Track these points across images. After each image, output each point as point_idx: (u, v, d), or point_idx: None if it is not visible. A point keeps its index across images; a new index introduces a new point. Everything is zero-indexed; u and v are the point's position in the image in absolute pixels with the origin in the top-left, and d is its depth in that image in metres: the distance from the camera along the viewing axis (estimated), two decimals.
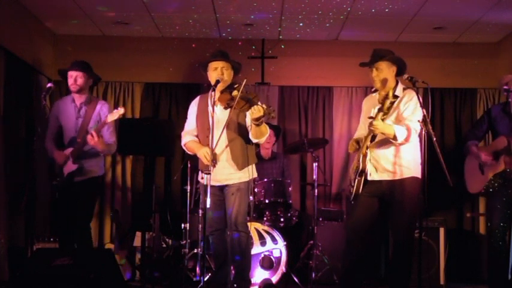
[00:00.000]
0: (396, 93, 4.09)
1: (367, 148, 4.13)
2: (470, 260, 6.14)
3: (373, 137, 4.13)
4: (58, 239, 5.14)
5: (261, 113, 3.81)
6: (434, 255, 5.48)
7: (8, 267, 5.18)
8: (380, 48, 4.25)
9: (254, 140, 4.14)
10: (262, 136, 4.11)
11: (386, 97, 3.96)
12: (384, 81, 4.15)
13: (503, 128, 4.57)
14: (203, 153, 4.11)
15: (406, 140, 4.02)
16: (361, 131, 4.40)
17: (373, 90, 4.38)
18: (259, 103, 3.85)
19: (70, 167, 4.81)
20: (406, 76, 4.08)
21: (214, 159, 4.05)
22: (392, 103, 4.02)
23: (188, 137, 4.36)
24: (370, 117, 3.98)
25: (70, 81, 4.90)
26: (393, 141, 4.01)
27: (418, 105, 3.99)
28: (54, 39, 6.41)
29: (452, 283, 5.71)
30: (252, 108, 3.82)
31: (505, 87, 4.52)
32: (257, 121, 3.89)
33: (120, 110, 4.76)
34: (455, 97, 6.57)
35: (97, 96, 6.48)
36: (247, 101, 3.89)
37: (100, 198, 6.41)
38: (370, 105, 4.30)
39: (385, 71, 4.15)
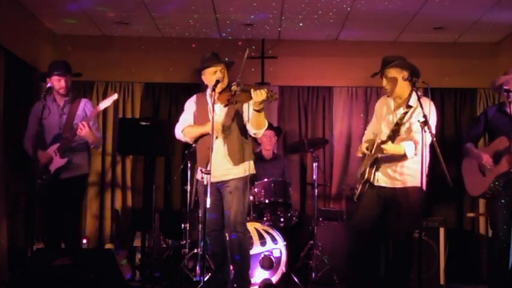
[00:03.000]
0: (410, 102, 4.11)
1: (375, 158, 4.16)
2: (470, 260, 6.14)
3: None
4: (43, 239, 5.02)
5: (264, 96, 3.82)
6: (434, 255, 5.47)
7: (8, 267, 5.18)
8: (389, 55, 4.21)
9: (253, 131, 4.14)
10: (261, 127, 4.11)
11: (398, 124, 4.02)
12: (393, 86, 4.13)
13: (501, 127, 4.54)
14: (208, 128, 4.06)
15: (416, 153, 4.05)
16: (371, 130, 4.46)
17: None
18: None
19: (58, 162, 4.72)
20: (406, 77, 4.08)
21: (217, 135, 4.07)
22: (406, 112, 4.06)
23: (184, 124, 4.37)
24: (382, 142, 4.04)
25: (58, 85, 4.79)
26: (404, 158, 4.07)
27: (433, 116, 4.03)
28: (54, 39, 6.41)
29: (452, 283, 5.71)
30: (255, 91, 3.83)
31: (505, 87, 4.50)
32: (259, 105, 3.90)
33: (114, 96, 4.70)
34: (455, 97, 6.57)
35: (97, 96, 6.49)
36: (247, 92, 3.91)
37: (100, 198, 6.42)
38: (383, 106, 4.32)
39: (395, 77, 4.12)
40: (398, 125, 4.03)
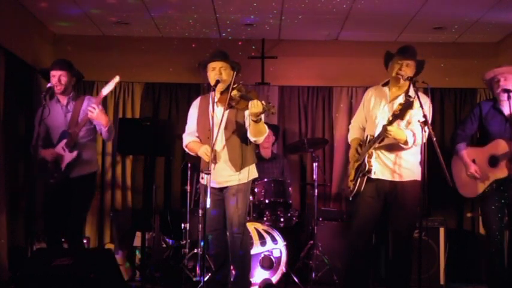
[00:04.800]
0: (409, 93, 4.12)
1: (371, 147, 4.14)
2: (470, 260, 6.14)
3: (380, 138, 4.14)
4: (47, 238, 4.96)
5: (260, 109, 3.80)
6: (434, 255, 5.48)
7: (8, 267, 5.18)
8: (412, 46, 4.25)
9: (252, 139, 4.13)
10: (260, 135, 4.10)
11: (403, 104, 3.97)
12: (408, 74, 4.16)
13: (495, 127, 4.51)
14: (203, 152, 4.10)
15: (414, 143, 4.05)
16: (357, 124, 4.45)
17: (383, 83, 4.36)
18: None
19: (68, 157, 4.65)
20: (406, 76, 4.09)
21: (215, 157, 4.04)
22: (403, 104, 4.05)
23: (189, 137, 4.35)
24: (386, 125, 4.00)
25: (54, 81, 4.71)
26: (403, 146, 4.05)
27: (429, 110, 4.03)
28: (54, 39, 6.41)
29: (452, 283, 5.71)
30: (251, 102, 3.82)
31: (504, 87, 4.49)
32: (256, 117, 3.88)
33: (115, 79, 4.60)
34: (455, 97, 6.57)
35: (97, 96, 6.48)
36: (247, 99, 3.88)
37: (100, 198, 6.42)
38: (376, 96, 4.31)
39: (411, 70, 4.16)
40: (395, 116, 4.02)
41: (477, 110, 4.70)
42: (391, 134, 3.98)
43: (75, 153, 4.66)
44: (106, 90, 4.63)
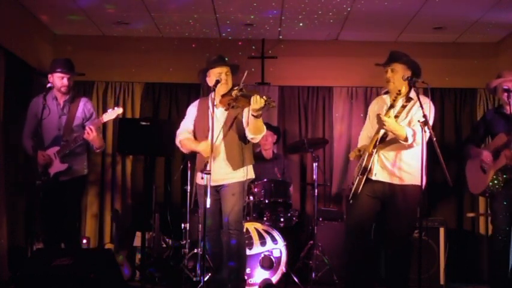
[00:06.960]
0: (410, 95, 4.09)
1: (374, 147, 4.12)
2: (470, 260, 6.14)
3: (383, 138, 4.12)
4: (43, 239, 5.01)
5: (261, 104, 3.84)
6: (434, 255, 5.48)
7: (8, 267, 5.18)
8: (397, 50, 4.24)
9: (250, 136, 4.14)
10: (259, 132, 4.12)
11: (398, 94, 3.98)
12: (397, 80, 4.14)
13: (500, 127, 4.59)
14: (203, 147, 4.11)
15: (414, 142, 4.03)
16: (365, 134, 4.39)
17: (383, 92, 4.35)
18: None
19: (57, 167, 4.69)
20: (405, 76, 4.09)
21: (214, 154, 4.05)
22: (404, 106, 4.05)
23: (184, 134, 4.37)
24: (379, 114, 3.99)
25: (61, 82, 4.76)
26: (403, 143, 4.02)
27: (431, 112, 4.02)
28: (54, 39, 6.41)
29: (452, 283, 5.71)
30: (253, 97, 3.84)
31: (505, 87, 4.51)
32: (257, 112, 3.91)
33: (118, 110, 4.68)
34: (455, 97, 6.58)
35: (97, 96, 6.49)
36: (247, 97, 3.92)
37: (100, 198, 6.42)
38: (379, 107, 4.29)
39: (400, 73, 4.13)
40: (397, 118, 4.02)
41: (482, 118, 4.89)
42: (386, 125, 3.95)
43: (65, 165, 4.69)
44: (106, 117, 4.69)
